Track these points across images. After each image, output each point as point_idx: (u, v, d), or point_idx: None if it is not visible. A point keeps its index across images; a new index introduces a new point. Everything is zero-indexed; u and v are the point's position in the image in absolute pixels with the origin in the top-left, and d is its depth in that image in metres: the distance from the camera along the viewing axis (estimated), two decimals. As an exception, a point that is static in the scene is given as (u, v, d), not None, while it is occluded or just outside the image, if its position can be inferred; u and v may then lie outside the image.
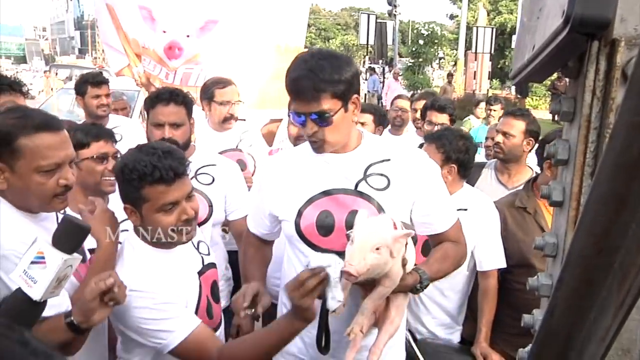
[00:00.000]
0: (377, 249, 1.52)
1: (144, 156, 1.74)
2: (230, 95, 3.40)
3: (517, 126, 3.29)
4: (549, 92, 19.41)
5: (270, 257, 2.20)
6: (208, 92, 3.41)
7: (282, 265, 2.05)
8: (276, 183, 1.94)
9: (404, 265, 1.66)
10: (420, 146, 3.86)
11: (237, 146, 3.42)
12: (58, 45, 64.30)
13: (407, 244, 1.67)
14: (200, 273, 1.95)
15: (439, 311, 2.73)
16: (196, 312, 1.84)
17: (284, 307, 2.01)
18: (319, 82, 1.68)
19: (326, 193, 1.84)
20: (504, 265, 2.64)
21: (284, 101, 4.05)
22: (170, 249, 1.86)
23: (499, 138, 3.30)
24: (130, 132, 3.93)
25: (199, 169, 2.67)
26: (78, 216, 1.88)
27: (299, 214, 1.85)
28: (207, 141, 3.32)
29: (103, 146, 2.31)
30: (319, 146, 1.80)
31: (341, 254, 1.62)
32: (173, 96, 2.55)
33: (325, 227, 1.83)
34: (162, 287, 1.74)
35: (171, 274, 1.81)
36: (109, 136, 2.37)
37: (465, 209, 2.64)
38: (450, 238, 1.94)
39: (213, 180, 2.66)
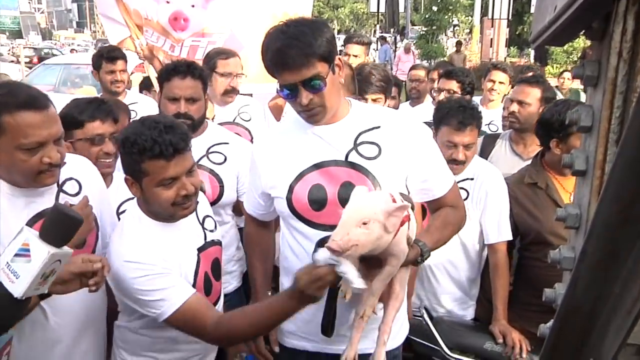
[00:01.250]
0: (365, 223, 1.49)
1: (145, 130, 1.77)
2: (232, 67, 3.38)
3: (533, 94, 3.27)
4: (570, 59, 19.14)
5: (272, 243, 2.23)
6: (210, 63, 3.38)
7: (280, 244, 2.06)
8: (266, 160, 1.96)
9: (409, 243, 1.66)
10: None
11: (234, 119, 3.42)
12: (55, 19, 64.13)
13: (410, 217, 1.65)
14: (201, 249, 2.00)
15: (451, 285, 2.75)
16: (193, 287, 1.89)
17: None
18: (306, 47, 1.68)
19: (317, 166, 1.85)
20: (510, 237, 2.64)
21: None
22: (172, 222, 1.92)
23: (514, 107, 3.28)
24: (147, 110, 3.92)
25: (211, 147, 2.66)
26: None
27: (290, 189, 1.87)
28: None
29: (98, 127, 2.29)
30: (316, 114, 1.80)
31: (334, 227, 1.60)
32: (191, 69, 2.54)
33: (317, 201, 1.84)
34: (159, 259, 1.81)
35: (169, 247, 1.88)
36: (107, 114, 2.34)
37: (472, 179, 2.65)
38: (449, 202, 1.94)
39: (225, 159, 2.66)
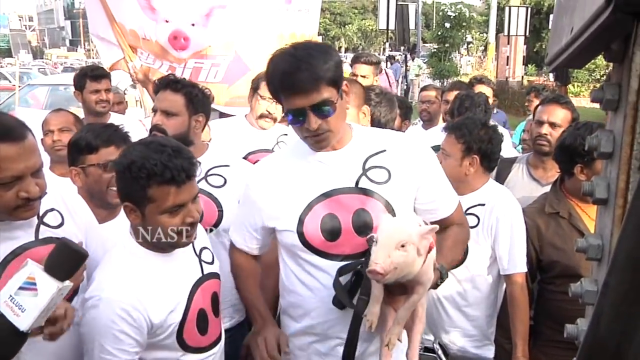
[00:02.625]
0: (403, 246, 1.59)
1: (152, 153, 1.76)
2: None
3: (565, 116, 3.24)
4: (592, 77, 19.21)
5: (259, 270, 2.22)
6: (254, 83, 3.44)
7: (281, 278, 2.06)
8: (267, 192, 1.96)
9: (434, 270, 1.74)
10: None
11: (272, 148, 3.41)
12: (47, 37, 65.05)
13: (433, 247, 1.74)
14: (198, 283, 1.99)
15: (462, 319, 2.72)
16: (182, 325, 1.91)
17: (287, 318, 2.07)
18: (316, 70, 1.71)
19: (326, 195, 1.87)
20: (524, 270, 2.62)
21: None
22: (168, 253, 1.92)
23: (545, 129, 3.22)
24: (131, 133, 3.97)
25: (210, 169, 2.67)
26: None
27: (301, 221, 1.88)
28: (241, 137, 3.37)
29: (113, 152, 2.28)
30: (324, 139, 1.83)
31: (349, 257, 1.81)
32: (173, 83, 2.61)
33: (331, 231, 1.86)
34: (138, 305, 1.80)
35: (160, 280, 1.88)
36: (123, 141, 2.34)
37: (483, 204, 2.64)
38: (455, 221, 2.02)
39: (225, 182, 2.67)
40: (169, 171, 1.74)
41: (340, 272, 1.82)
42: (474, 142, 2.66)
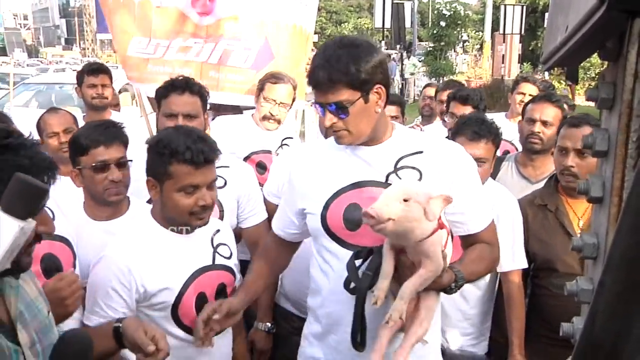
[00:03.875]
0: (406, 200, 1.61)
1: (180, 135, 1.95)
2: (277, 94, 3.38)
3: (556, 114, 3.25)
4: (587, 75, 19.25)
5: (283, 268, 2.28)
6: (260, 83, 3.46)
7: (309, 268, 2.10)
8: (304, 174, 2.04)
9: (444, 257, 1.72)
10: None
11: (276, 150, 3.41)
12: (42, 35, 64.88)
13: (447, 238, 1.75)
14: (205, 269, 2.08)
15: (461, 319, 2.72)
16: (178, 302, 2.01)
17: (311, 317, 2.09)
18: (334, 72, 1.77)
19: (355, 185, 1.91)
20: (525, 265, 2.63)
21: (299, 91, 4.00)
22: (183, 235, 2.06)
23: (538, 127, 3.22)
24: (133, 131, 3.90)
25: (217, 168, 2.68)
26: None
27: (326, 206, 1.92)
28: (246, 135, 3.36)
29: (102, 152, 2.29)
30: (341, 136, 1.88)
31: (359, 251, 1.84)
32: (189, 85, 2.60)
33: (352, 220, 1.89)
34: (134, 270, 1.94)
35: (164, 254, 2.01)
36: (112, 139, 2.33)
37: None
38: (485, 240, 1.98)
39: (225, 183, 2.67)
40: (189, 152, 1.89)
41: (357, 255, 1.84)
42: (500, 142, 2.67)
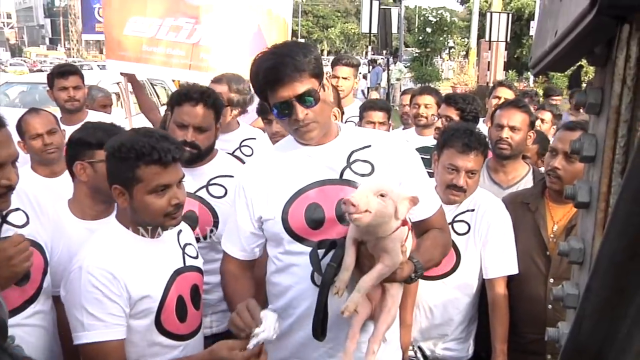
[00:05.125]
0: (382, 195, 1.66)
1: (141, 137, 1.89)
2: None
3: (524, 119, 3.27)
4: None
5: (253, 289, 2.16)
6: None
7: (267, 276, 2.09)
8: (256, 185, 2.02)
9: (403, 252, 1.78)
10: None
11: (233, 152, 3.34)
12: (26, 35, 64.27)
13: (408, 233, 1.82)
14: (179, 271, 2.05)
15: (452, 325, 2.73)
16: (160, 308, 1.97)
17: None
18: (298, 62, 1.82)
19: (311, 186, 1.94)
20: (515, 271, 2.65)
21: None
22: (152, 239, 2.01)
23: (506, 133, 3.23)
24: None
25: (213, 178, 2.62)
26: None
27: (285, 209, 1.94)
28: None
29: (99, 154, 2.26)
30: (311, 129, 1.89)
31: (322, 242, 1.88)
32: (204, 97, 2.55)
33: (315, 220, 1.92)
34: (118, 278, 1.88)
35: (141, 259, 1.96)
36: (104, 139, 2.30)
37: (473, 210, 2.66)
38: (436, 224, 2.06)
39: (225, 193, 2.61)
40: (156, 152, 1.85)
41: (319, 245, 1.88)
42: (487, 152, 2.69)
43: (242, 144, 3.41)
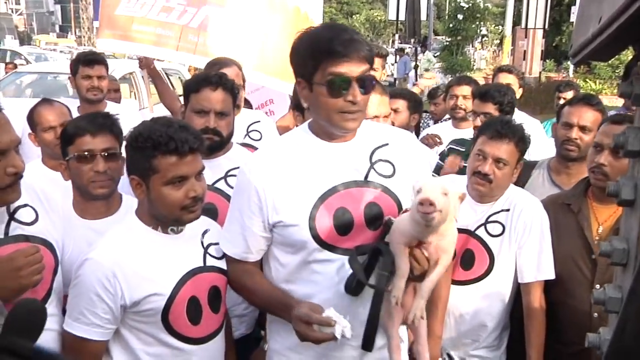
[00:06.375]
0: (445, 194, 1.71)
1: (159, 127, 1.94)
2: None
3: (596, 118, 3.11)
4: (616, 73, 19.15)
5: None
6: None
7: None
8: (278, 185, 1.94)
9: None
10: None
11: (243, 139, 3.35)
12: (35, 22, 65.10)
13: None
14: (197, 271, 2.06)
15: (484, 332, 2.72)
16: (168, 309, 1.98)
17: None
18: (369, 46, 1.85)
19: (337, 188, 1.92)
20: (552, 276, 2.62)
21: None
22: (171, 235, 2.05)
23: (575, 133, 3.11)
24: (129, 122, 3.92)
25: (231, 170, 2.61)
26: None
27: (312, 216, 1.91)
28: None
29: (88, 142, 2.29)
30: (356, 118, 1.88)
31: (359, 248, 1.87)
32: (223, 81, 2.57)
33: (343, 225, 1.91)
34: (120, 276, 1.92)
35: (153, 256, 1.99)
36: (99, 127, 2.32)
37: (508, 209, 2.63)
38: None
39: None
40: (173, 142, 1.89)
41: (359, 252, 1.86)
42: (526, 148, 2.66)
43: (250, 129, 3.43)
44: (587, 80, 19.95)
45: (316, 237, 1.91)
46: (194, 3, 4.36)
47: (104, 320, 1.94)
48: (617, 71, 19.22)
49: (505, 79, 4.66)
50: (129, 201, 2.39)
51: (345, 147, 1.95)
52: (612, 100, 14.91)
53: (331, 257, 1.91)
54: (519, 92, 4.57)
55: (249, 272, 2.07)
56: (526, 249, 2.62)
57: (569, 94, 4.82)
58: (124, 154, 2.30)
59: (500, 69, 5.13)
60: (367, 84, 1.84)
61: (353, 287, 1.87)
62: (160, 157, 1.91)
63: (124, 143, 2.05)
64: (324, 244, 1.92)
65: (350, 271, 1.87)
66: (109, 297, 1.92)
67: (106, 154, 2.31)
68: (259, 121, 3.50)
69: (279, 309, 1.97)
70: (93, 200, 2.34)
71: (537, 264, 2.62)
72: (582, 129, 3.11)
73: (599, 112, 3.16)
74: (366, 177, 1.94)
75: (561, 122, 3.24)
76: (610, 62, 18.56)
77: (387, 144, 2.00)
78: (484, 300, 2.68)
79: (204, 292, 2.07)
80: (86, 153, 2.29)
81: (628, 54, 0.99)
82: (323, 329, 1.76)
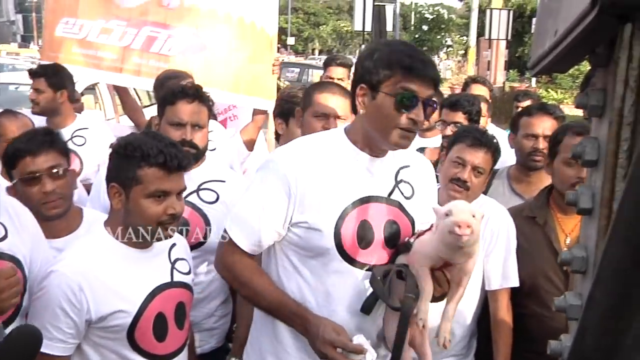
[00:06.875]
0: (474, 216, 1.76)
1: (150, 139, 1.95)
2: None
3: (555, 127, 3.16)
4: (576, 84, 19.60)
5: None
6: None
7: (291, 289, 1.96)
8: (314, 185, 1.89)
9: None
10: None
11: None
12: (-4, 32, 63.88)
13: None
14: (164, 287, 2.04)
15: (455, 343, 2.73)
16: (135, 324, 1.96)
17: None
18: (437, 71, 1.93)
19: (363, 201, 1.93)
20: (516, 283, 2.65)
21: (259, 89, 4.09)
22: (140, 249, 2.01)
23: (541, 144, 3.14)
24: (99, 138, 3.82)
25: (204, 183, 2.61)
26: None
27: (338, 223, 1.89)
28: None
29: (30, 163, 2.20)
30: (410, 138, 1.90)
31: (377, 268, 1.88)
32: (199, 93, 2.57)
33: (365, 238, 1.91)
34: (89, 284, 1.90)
35: (119, 270, 1.97)
36: (40, 147, 2.23)
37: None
38: None
39: (217, 198, 2.61)
40: (162, 156, 1.89)
41: (384, 274, 1.87)
42: (498, 158, 2.70)
43: (74, 134, 3.55)
44: (549, 90, 20.36)
45: (339, 246, 1.89)
46: (134, 24, 4.25)
47: (67, 335, 1.90)
48: (577, 81, 19.70)
49: (478, 89, 4.75)
50: (90, 215, 2.35)
51: (377, 162, 1.96)
52: (573, 110, 15.22)
53: (349, 269, 1.90)
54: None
55: (256, 270, 1.98)
56: (493, 257, 2.65)
57: (527, 104, 4.92)
58: (72, 167, 2.29)
59: (473, 80, 5.21)
60: (429, 108, 1.87)
61: (367, 308, 1.88)
62: (147, 169, 1.90)
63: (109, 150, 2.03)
64: (345, 255, 1.90)
65: (369, 289, 1.87)
66: (74, 312, 1.89)
67: (52, 173, 2.22)
68: (87, 128, 3.64)
69: (290, 319, 1.89)
70: (49, 221, 2.25)
71: (504, 271, 2.65)
72: (546, 138, 3.13)
73: (557, 120, 3.26)
74: (390, 194, 1.96)
75: (523, 133, 3.26)
76: (570, 72, 19.00)
77: (409, 166, 2.03)
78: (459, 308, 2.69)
79: (171, 308, 2.05)
80: (31, 175, 2.20)
81: (588, 65, 1.02)
82: (351, 355, 1.75)
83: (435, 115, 4.20)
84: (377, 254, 1.92)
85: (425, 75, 1.83)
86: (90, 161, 3.71)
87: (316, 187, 1.89)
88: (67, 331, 1.90)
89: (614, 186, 0.78)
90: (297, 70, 21.55)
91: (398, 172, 2.00)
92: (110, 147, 2.02)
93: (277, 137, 3.32)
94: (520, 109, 4.84)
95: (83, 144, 3.78)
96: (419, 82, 1.82)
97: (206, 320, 2.58)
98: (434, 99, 1.88)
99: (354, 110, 1.98)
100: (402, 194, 1.98)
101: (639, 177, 0.56)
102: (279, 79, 5.34)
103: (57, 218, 2.27)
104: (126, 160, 1.92)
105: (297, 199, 1.88)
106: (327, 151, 1.96)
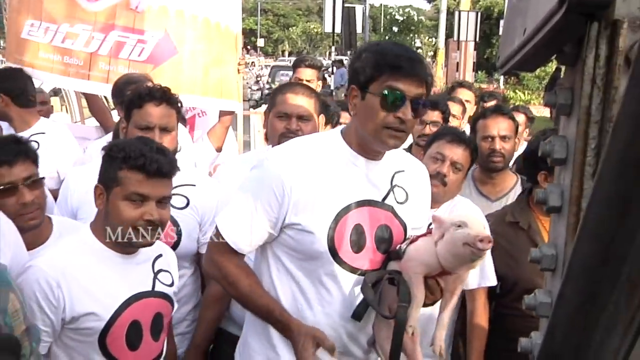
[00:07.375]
0: (485, 227, 1.78)
1: (137, 143, 1.97)
2: None
3: (511, 126, 3.27)
4: (542, 85, 19.92)
5: None
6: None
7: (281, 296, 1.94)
8: (307, 187, 1.88)
9: None
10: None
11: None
12: (-40, 34, 62.56)
13: None
14: (142, 295, 2.01)
15: (422, 336, 2.74)
16: (107, 330, 1.93)
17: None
18: (428, 69, 1.90)
19: (358, 204, 1.91)
20: (494, 282, 2.66)
21: (226, 91, 4.04)
22: (123, 255, 2.00)
23: (499, 144, 3.19)
24: (55, 143, 3.64)
25: (173, 188, 2.56)
26: None
27: (332, 226, 1.87)
28: None
29: (6, 174, 2.11)
30: (400, 137, 1.88)
31: (365, 273, 1.88)
32: (167, 96, 2.50)
33: (357, 242, 1.90)
34: (66, 282, 1.88)
35: (96, 275, 1.94)
36: (15, 157, 2.14)
37: None
38: None
39: (187, 203, 2.55)
40: (142, 158, 1.88)
41: (374, 281, 1.86)
42: (475, 159, 2.73)
43: (29, 138, 3.43)
44: (517, 91, 20.66)
45: (332, 250, 1.87)
46: (100, 28, 4.07)
47: (42, 333, 1.84)
48: (543, 82, 20.03)
49: (463, 94, 4.76)
50: (61, 224, 2.30)
51: (373, 165, 1.94)
52: (540, 110, 15.46)
53: (342, 276, 1.89)
54: (473, 108, 4.69)
55: (245, 270, 1.96)
56: None
57: (492, 104, 5.02)
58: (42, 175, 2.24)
59: (460, 84, 5.25)
60: (419, 107, 1.84)
61: (358, 315, 1.88)
62: (127, 171, 1.90)
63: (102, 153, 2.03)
64: (337, 259, 1.88)
65: (360, 296, 1.86)
66: (50, 309, 1.86)
67: (29, 183, 2.16)
68: (43, 133, 3.52)
69: (274, 324, 1.92)
70: (23, 232, 2.15)
71: (481, 270, 2.64)
72: (503, 138, 3.23)
73: (512, 119, 3.34)
74: (384, 198, 1.95)
75: (481, 136, 3.30)
76: (537, 73, 19.31)
77: (403, 171, 2.01)
78: (427, 307, 2.70)
79: (148, 318, 2.02)
80: (9, 185, 2.13)
81: (553, 66, 1.02)
82: None
83: None
84: (369, 259, 1.90)
85: (413, 74, 1.82)
86: (43, 166, 3.61)
87: (311, 188, 1.87)
88: (43, 329, 1.84)
89: (583, 184, 0.78)
90: (289, 73, 21.45)
91: (393, 176, 1.98)
92: (102, 149, 2.04)
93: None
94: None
95: (36, 149, 3.69)
96: (407, 81, 1.81)
97: (179, 325, 2.54)
98: (423, 98, 1.85)
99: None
100: (395, 199, 1.97)
101: (606, 175, 0.56)
102: (268, 82, 5.33)
103: (34, 229, 2.18)
104: (110, 161, 1.94)
105: (291, 200, 1.86)
106: (323, 153, 1.94)
